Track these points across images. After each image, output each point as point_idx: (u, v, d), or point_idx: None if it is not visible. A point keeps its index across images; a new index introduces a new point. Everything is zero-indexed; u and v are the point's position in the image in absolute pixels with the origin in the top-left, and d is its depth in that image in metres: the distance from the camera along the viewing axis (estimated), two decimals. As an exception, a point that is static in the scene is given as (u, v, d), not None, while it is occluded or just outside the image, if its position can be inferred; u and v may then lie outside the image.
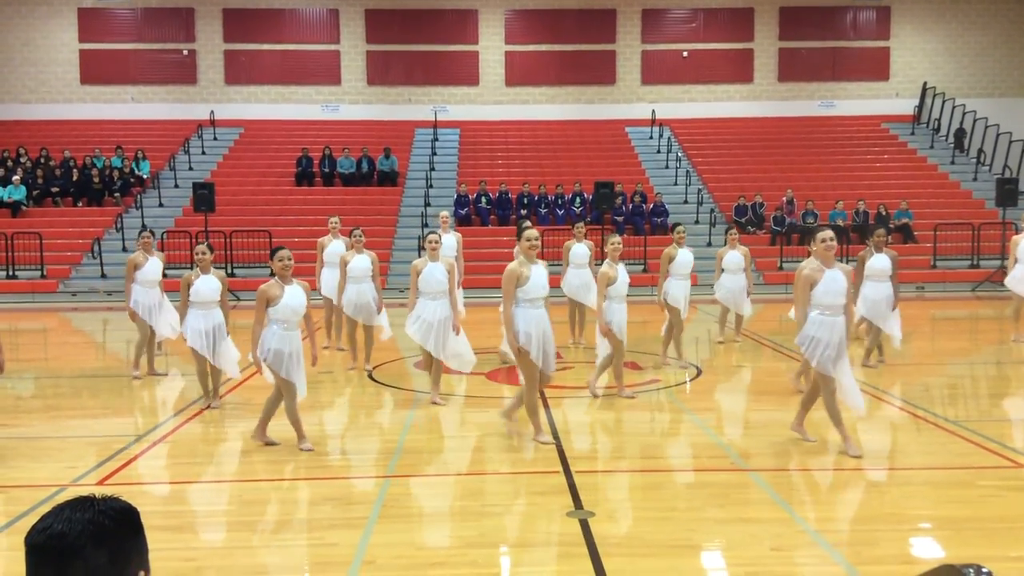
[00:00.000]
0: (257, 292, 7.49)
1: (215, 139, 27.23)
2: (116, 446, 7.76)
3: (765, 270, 20.98)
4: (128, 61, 28.42)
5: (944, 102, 28.06)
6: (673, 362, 11.46)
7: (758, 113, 29.09)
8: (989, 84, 29.46)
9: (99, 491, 1.85)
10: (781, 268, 20.92)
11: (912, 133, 28.30)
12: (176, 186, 24.47)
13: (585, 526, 5.67)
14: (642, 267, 20.39)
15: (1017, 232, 14.52)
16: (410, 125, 28.23)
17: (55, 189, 23.77)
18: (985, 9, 29.32)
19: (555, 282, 9.01)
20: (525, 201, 23.40)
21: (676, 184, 25.13)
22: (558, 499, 6.26)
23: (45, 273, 20.71)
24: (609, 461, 7.54)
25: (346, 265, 10.82)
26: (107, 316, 17.90)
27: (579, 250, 12.23)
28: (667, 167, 26.10)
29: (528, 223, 8.23)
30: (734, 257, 12.62)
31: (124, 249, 20.83)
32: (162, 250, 14.79)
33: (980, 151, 26.32)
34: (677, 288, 11.35)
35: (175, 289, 9.31)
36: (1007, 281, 13.53)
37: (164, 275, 10.94)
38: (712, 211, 23.45)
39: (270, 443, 7.65)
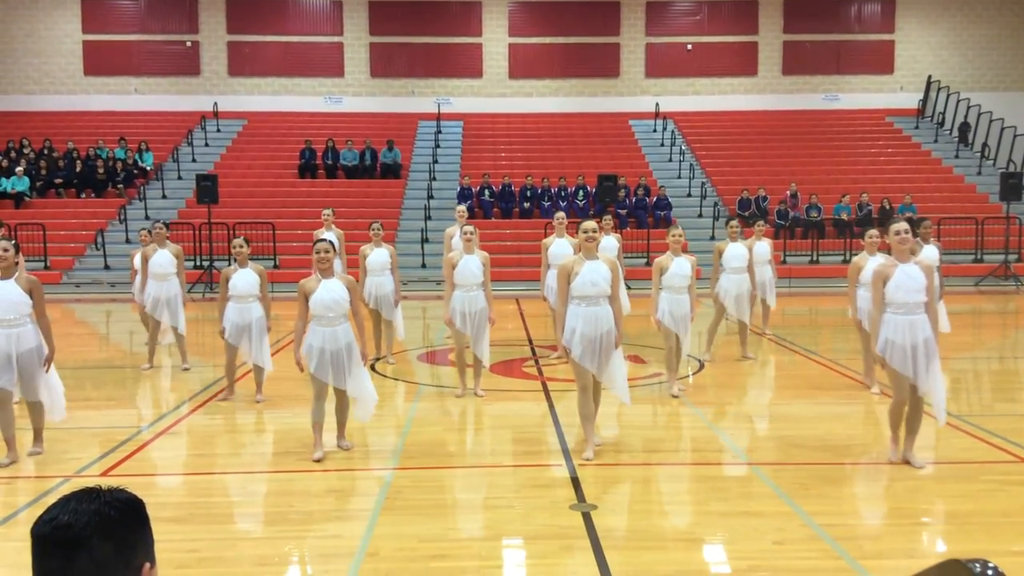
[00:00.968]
0: (298, 287, 7.27)
1: (218, 131, 27.22)
2: (120, 437, 7.78)
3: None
4: (131, 52, 28.43)
5: (948, 96, 27.98)
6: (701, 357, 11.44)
7: (762, 107, 29.05)
8: (994, 78, 29.39)
9: (104, 482, 1.85)
10: (784, 262, 20.88)
11: (916, 127, 28.23)
12: (179, 178, 24.48)
13: (588, 519, 5.68)
14: (644, 260, 20.36)
15: None
16: (413, 117, 28.21)
17: (58, 180, 23.78)
18: (990, 2, 29.25)
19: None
20: (528, 194, 23.39)
21: (680, 177, 25.10)
22: (561, 492, 6.27)
23: (48, 264, 20.70)
24: (611, 454, 7.54)
25: (365, 259, 10.82)
26: (110, 307, 17.92)
27: (607, 243, 12.14)
28: (671, 160, 26.07)
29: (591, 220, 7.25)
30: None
31: (127, 241, 20.85)
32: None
33: (984, 145, 26.25)
34: (729, 283, 11.16)
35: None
36: None
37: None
38: (715, 205, 23.42)
39: (345, 447, 7.36)
